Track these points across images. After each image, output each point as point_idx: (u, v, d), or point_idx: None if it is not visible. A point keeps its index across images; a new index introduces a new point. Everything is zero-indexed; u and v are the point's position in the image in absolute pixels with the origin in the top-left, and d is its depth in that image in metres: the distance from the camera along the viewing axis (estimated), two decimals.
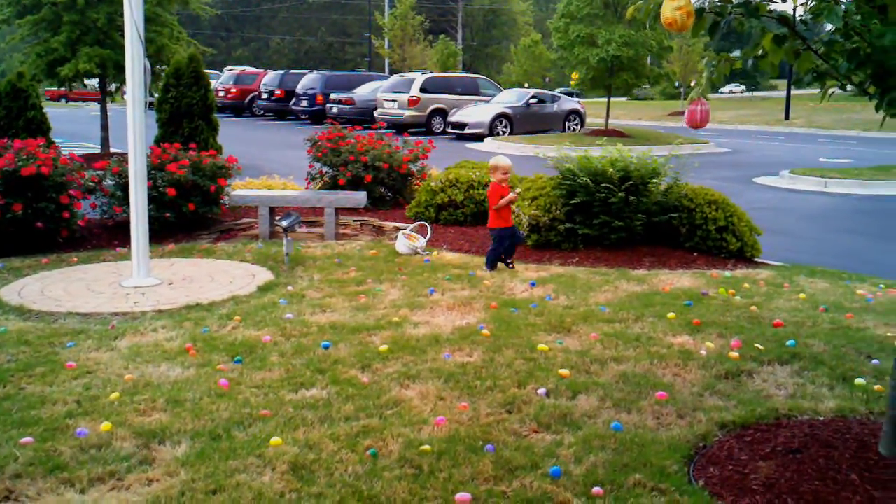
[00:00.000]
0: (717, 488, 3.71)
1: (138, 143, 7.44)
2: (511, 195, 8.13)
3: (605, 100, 28.04)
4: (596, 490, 3.65)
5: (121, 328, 6.11)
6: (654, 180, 9.01)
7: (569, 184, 8.89)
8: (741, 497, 3.63)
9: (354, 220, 10.62)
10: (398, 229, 9.62)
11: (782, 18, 3.89)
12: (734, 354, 5.52)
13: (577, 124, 29.38)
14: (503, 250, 8.14)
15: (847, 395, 4.87)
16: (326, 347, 5.62)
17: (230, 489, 3.66)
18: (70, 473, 3.82)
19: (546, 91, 33.05)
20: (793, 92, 42.67)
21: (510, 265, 8.13)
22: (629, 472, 3.82)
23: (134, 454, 4.03)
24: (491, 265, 8.07)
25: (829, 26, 3.88)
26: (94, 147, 18.09)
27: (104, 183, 9.98)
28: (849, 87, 3.85)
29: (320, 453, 4.02)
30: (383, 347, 5.60)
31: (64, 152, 9.91)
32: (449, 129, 27.97)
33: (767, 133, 35.19)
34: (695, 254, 8.84)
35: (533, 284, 7.42)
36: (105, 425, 4.30)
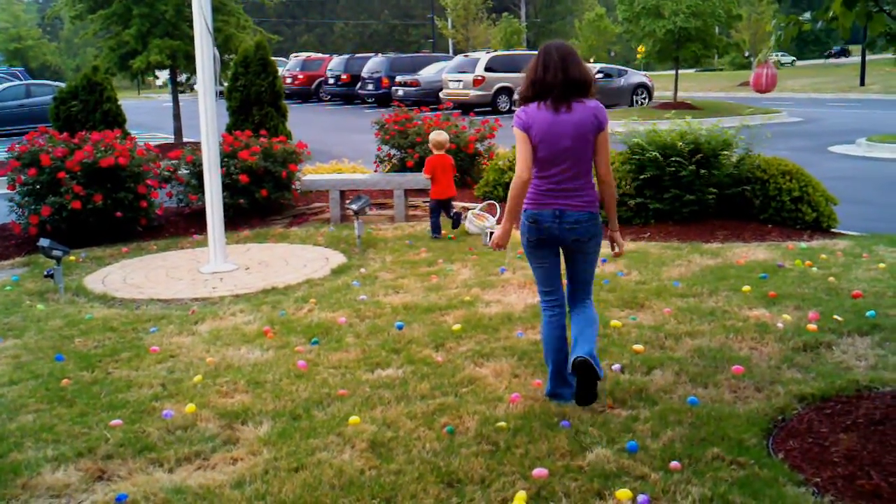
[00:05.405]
0: (798, 461, 3.67)
1: (210, 132, 7.59)
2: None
3: (673, 72, 27.56)
4: (674, 464, 3.65)
5: (201, 313, 6.28)
6: (726, 152, 8.87)
7: (638, 158, 8.81)
8: (822, 469, 3.59)
9: (424, 202, 10.68)
10: (467, 209, 9.65)
11: None
12: (812, 326, 5.43)
13: (644, 98, 28.98)
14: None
15: None
16: (400, 328, 5.69)
17: (312, 467, 3.75)
18: (158, 454, 3.96)
19: (612, 65, 32.60)
20: (868, 57, 41.29)
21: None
22: (707, 446, 3.80)
23: (218, 434, 4.16)
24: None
25: None
26: (168, 137, 18.48)
27: (179, 172, 10.22)
28: None
29: (398, 431, 4.09)
30: (456, 326, 5.65)
31: (139, 143, 10.16)
32: (515, 108, 27.83)
33: (842, 100, 34.20)
34: (769, 226, 8.69)
35: (604, 261, 7.37)
36: (189, 407, 4.44)
